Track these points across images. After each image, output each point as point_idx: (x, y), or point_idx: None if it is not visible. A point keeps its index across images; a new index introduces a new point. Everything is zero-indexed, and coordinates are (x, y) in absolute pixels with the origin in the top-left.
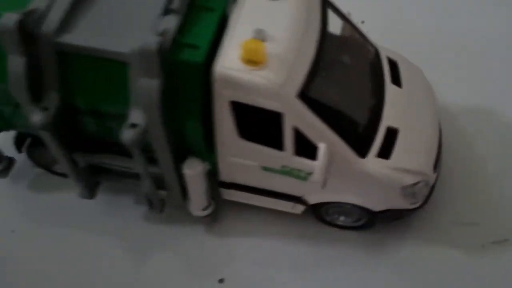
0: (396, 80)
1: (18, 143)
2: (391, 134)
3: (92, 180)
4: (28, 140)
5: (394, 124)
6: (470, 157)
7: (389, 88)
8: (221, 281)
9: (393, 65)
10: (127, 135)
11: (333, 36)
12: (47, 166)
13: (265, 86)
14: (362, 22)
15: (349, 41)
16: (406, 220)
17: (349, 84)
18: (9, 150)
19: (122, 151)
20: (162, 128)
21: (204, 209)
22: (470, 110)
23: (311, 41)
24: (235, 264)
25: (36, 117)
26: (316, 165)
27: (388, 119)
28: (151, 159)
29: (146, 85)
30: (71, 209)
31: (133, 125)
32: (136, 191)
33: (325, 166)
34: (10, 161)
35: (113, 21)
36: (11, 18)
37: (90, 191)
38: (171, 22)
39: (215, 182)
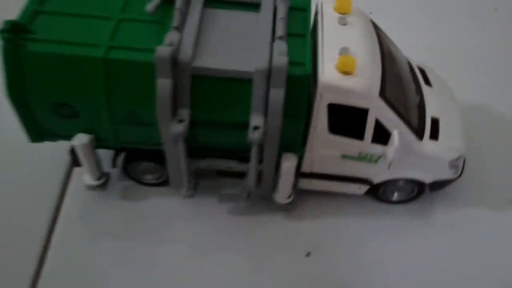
0: (428, 82)
1: (114, 159)
2: (435, 123)
3: (195, 182)
4: (123, 156)
5: (435, 115)
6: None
7: (425, 88)
8: (308, 254)
9: (422, 71)
10: (253, 135)
11: (385, 51)
12: (138, 178)
13: (357, 89)
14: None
15: (394, 54)
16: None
17: (403, 86)
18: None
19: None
20: (279, 127)
21: (288, 197)
22: (471, 104)
23: (377, 55)
24: (316, 241)
25: (176, 128)
26: (394, 146)
27: (430, 111)
28: (247, 158)
29: (275, 94)
30: (163, 211)
31: (256, 127)
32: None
33: (399, 147)
34: (108, 176)
35: (232, 48)
36: (165, 50)
37: (193, 191)
38: (283, 46)
39: (297, 174)
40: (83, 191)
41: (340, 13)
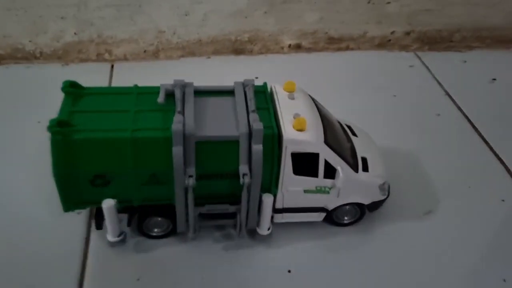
0: (354, 134)
1: (129, 220)
2: (364, 160)
3: (197, 225)
4: (136, 216)
5: (363, 155)
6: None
7: (353, 138)
8: (289, 271)
9: (349, 126)
10: (244, 180)
11: (322, 114)
12: (148, 232)
13: (309, 140)
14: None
15: (328, 116)
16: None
17: (338, 137)
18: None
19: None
20: (260, 172)
21: (268, 229)
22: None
23: (318, 117)
24: (294, 261)
25: (188, 181)
26: (340, 178)
27: (360, 153)
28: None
29: (256, 148)
30: (169, 255)
31: (244, 174)
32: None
33: (343, 178)
34: (125, 234)
35: (220, 121)
36: (178, 126)
37: (197, 234)
38: (255, 116)
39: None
40: (101, 251)
41: (288, 91)
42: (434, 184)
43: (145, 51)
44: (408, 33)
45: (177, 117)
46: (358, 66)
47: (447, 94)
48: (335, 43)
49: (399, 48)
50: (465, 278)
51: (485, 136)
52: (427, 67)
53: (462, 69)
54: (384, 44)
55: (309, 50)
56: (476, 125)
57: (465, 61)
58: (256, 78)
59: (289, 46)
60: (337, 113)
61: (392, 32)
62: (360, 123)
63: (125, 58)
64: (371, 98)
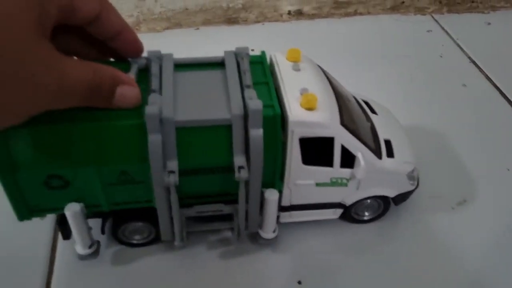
0: (373, 111)
1: (102, 226)
2: (388, 143)
3: (185, 231)
4: (110, 221)
5: (386, 137)
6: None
7: (372, 116)
8: (299, 282)
9: (366, 103)
10: (240, 174)
11: (336, 89)
12: (127, 240)
13: (322, 121)
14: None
15: (342, 91)
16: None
17: (356, 116)
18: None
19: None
20: (261, 163)
21: (273, 232)
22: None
23: (331, 92)
24: (303, 269)
25: (168, 179)
26: (360, 167)
27: (382, 134)
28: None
29: (255, 133)
30: (154, 268)
31: (240, 167)
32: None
33: (365, 166)
34: (99, 243)
35: (207, 100)
36: (153, 108)
37: (185, 241)
38: (252, 93)
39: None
40: (71, 263)
41: (292, 61)
42: (466, 167)
43: None
44: None
45: (152, 97)
46: (369, 33)
47: (472, 61)
48: (341, 7)
49: (414, 11)
50: (510, 277)
51: None
52: (446, 32)
53: (486, 32)
54: (397, 6)
55: (312, 16)
56: (508, 96)
57: (489, 23)
58: (252, 50)
59: (289, 12)
60: (349, 88)
61: None
62: (375, 97)
63: None
64: (385, 70)
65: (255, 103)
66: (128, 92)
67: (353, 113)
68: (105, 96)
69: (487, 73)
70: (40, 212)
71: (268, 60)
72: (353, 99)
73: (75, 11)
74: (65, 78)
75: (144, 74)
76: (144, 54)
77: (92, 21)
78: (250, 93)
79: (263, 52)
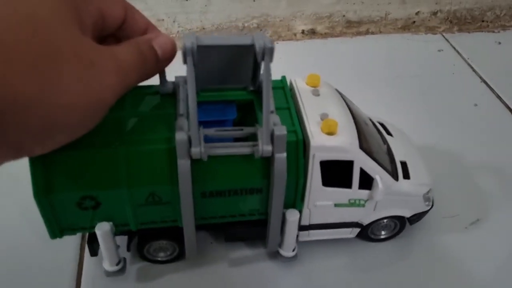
0: (389, 133)
1: (128, 244)
2: (404, 165)
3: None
4: (135, 240)
5: (402, 158)
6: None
7: (388, 138)
8: None
9: (382, 125)
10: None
11: (354, 113)
12: (151, 258)
13: (342, 145)
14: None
15: (359, 114)
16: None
17: (373, 139)
18: None
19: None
20: (284, 186)
21: (293, 250)
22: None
23: (350, 117)
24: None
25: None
26: (379, 189)
27: (398, 156)
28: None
29: (279, 158)
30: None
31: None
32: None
33: (383, 188)
34: (125, 260)
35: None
36: (183, 135)
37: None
38: (276, 118)
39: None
40: (97, 278)
41: (311, 86)
42: (479, 187)
43: None
44: (435, 13)
45: (179, 121)
46: (380, 52)
47: (483, 81)
48: (353, 26)
49: (425, 30)
50: None
51: None
52: (457, 51)
53: (497, 51)
54: (408, 26)
55: (325, 35)
56: None
57: (499, 43)
58: None
59: (303, 32)
60: (361, 108)
61: (417, 13)
62: (387, 118)
63: None
64: (396, 89)
65: (280, 129)
66: (161, 41)
67: (370, 137)
68: (151, 56)
69: (498, 92)
70: (71, 230)
71: (288, 84)
72: (370, 122)
73: (105, 19)
74: (118, 58)
75: (170, 98)
76: (171, 77)
77: (121, 24)
78: (274, 119)
79: (283, 77)
